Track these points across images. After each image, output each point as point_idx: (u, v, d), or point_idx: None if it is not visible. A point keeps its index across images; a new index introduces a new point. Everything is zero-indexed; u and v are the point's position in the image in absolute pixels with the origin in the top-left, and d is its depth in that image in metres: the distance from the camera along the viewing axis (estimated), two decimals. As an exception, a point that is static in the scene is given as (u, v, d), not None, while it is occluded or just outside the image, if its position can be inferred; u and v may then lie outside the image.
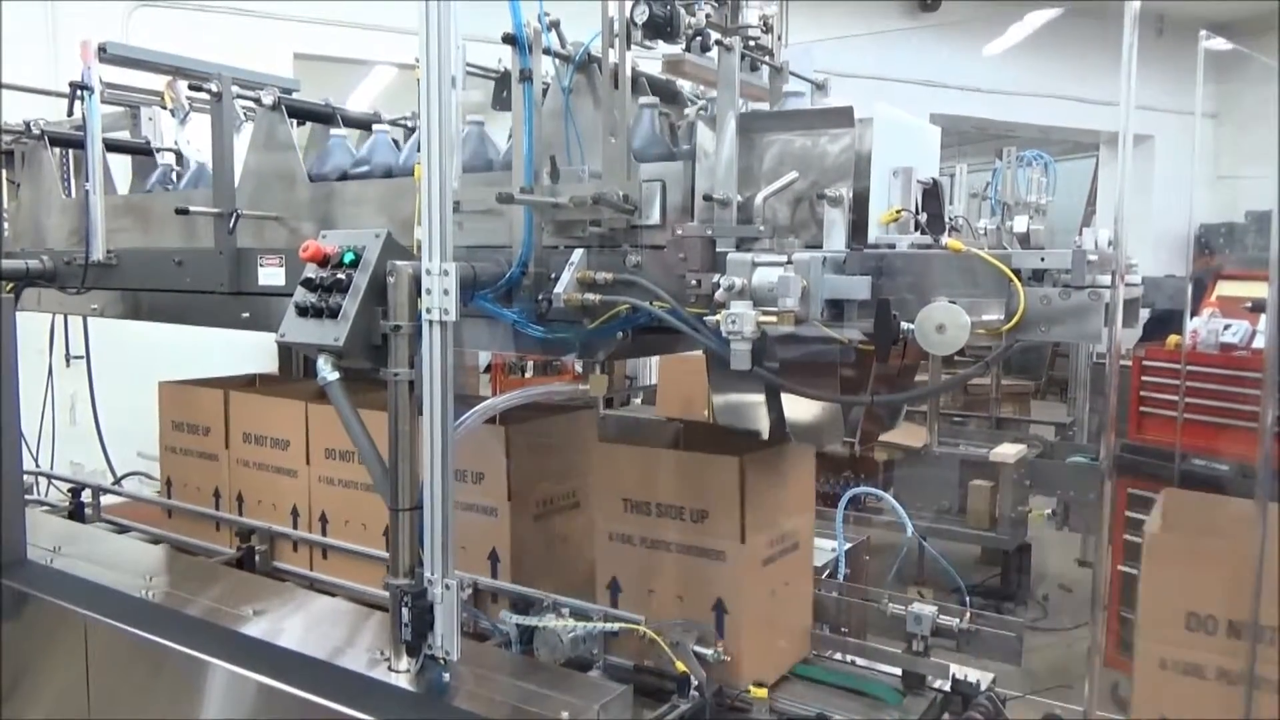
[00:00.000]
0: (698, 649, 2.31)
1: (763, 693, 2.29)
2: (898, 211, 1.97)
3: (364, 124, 3.20)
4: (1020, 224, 1.96)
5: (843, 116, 1.95)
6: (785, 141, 2.00)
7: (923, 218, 2.02)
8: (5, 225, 3.47)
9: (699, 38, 2.06)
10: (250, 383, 3.71)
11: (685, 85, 2.56)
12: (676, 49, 2.06)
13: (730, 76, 1.98)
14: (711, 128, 2.00)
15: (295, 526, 3.18)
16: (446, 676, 2.09)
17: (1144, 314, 2.01)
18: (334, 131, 2.89)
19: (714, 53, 2.04)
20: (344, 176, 2.73)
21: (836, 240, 1.89)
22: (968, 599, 2.76)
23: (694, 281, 1.98)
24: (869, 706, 2.55)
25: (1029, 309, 1.68)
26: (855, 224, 1.93)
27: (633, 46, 2.01)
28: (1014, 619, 2.70)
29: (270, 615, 2.51)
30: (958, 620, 2.62)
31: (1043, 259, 1.71)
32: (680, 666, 2.26)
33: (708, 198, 1.97)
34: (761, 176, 2.00)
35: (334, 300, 2.14)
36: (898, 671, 2.66)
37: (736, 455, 2.38)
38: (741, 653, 2.39)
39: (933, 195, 2.05)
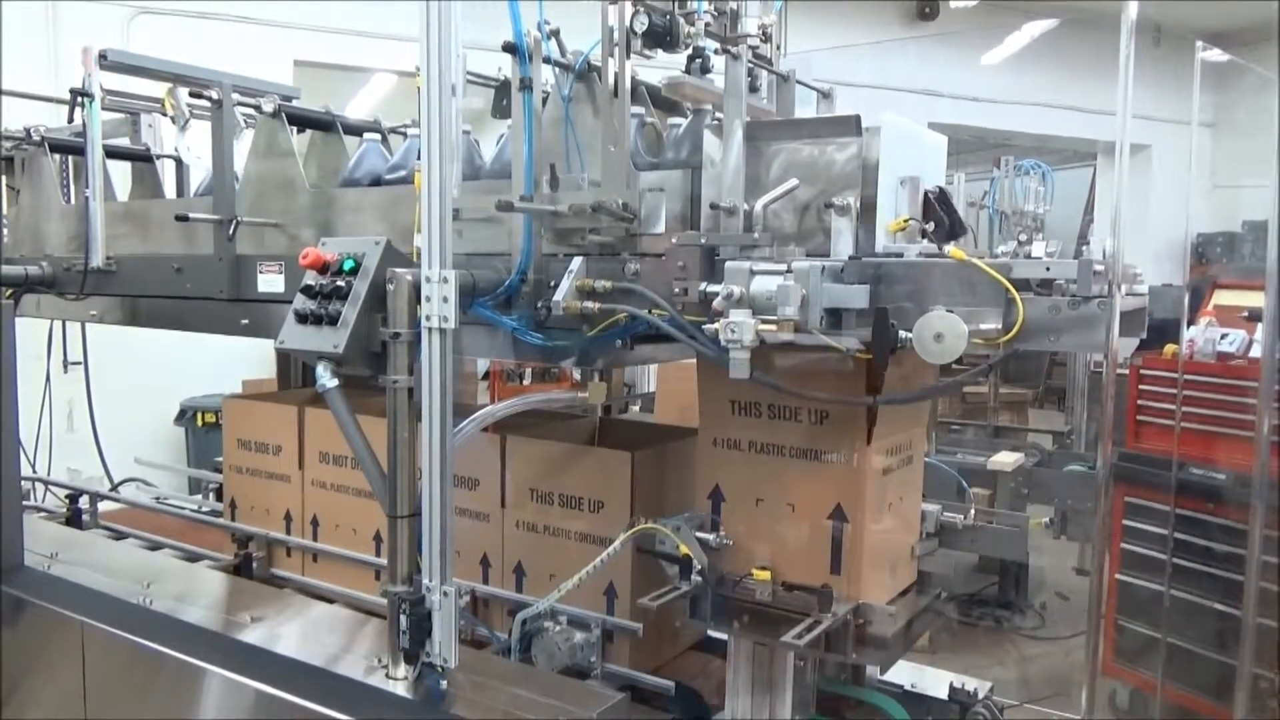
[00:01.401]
0: (700, 534, 2.26)
1: (766, 575, 2.23)
2: (906, 220, 1.98)
3: (363, 131, 3.21)
4: (1038, 249, 1.93)
5: (849, 125, 1.96)
6: (792, 150, 2.01)
7: (929, 226, 2.02)
8: (5, 231, 3.47)
9: (699, 60, 2.07)
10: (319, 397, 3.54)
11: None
12: (676, 58, 2.07)
13: (737, 85, 1.99)
14: (718, 136, 2.01)
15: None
16: (444, 684, 2.09)
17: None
18: (368, 136, 2.86)
19: (714, 74, 2.05)
20: (377, 181, 2.69)
21: (843, 249, 1.89)
22: (969, 494, 2.68)
23: (679, 290, 1.98)
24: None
25: (1037, 319, 1.68)
26: (862, 232, 1.94)
27: (632, 55, 2.01)
28: (1017, 513, 2.64)
29: (268, 622, 2.51)
30: (961, 517, 2.55)
31: (1048, 269, 1.71)
32: (684, 549, 2.21)
33: (714, 206, 1.98)
34: (768, 185, 2.00)
35: (333, 307, 2.14)
36: (901, 682, 2.66)
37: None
38: (861, 569, 2.18)
39: (943, 202, 2.06)
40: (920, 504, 2.51)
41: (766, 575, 2.20)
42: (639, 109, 2.29)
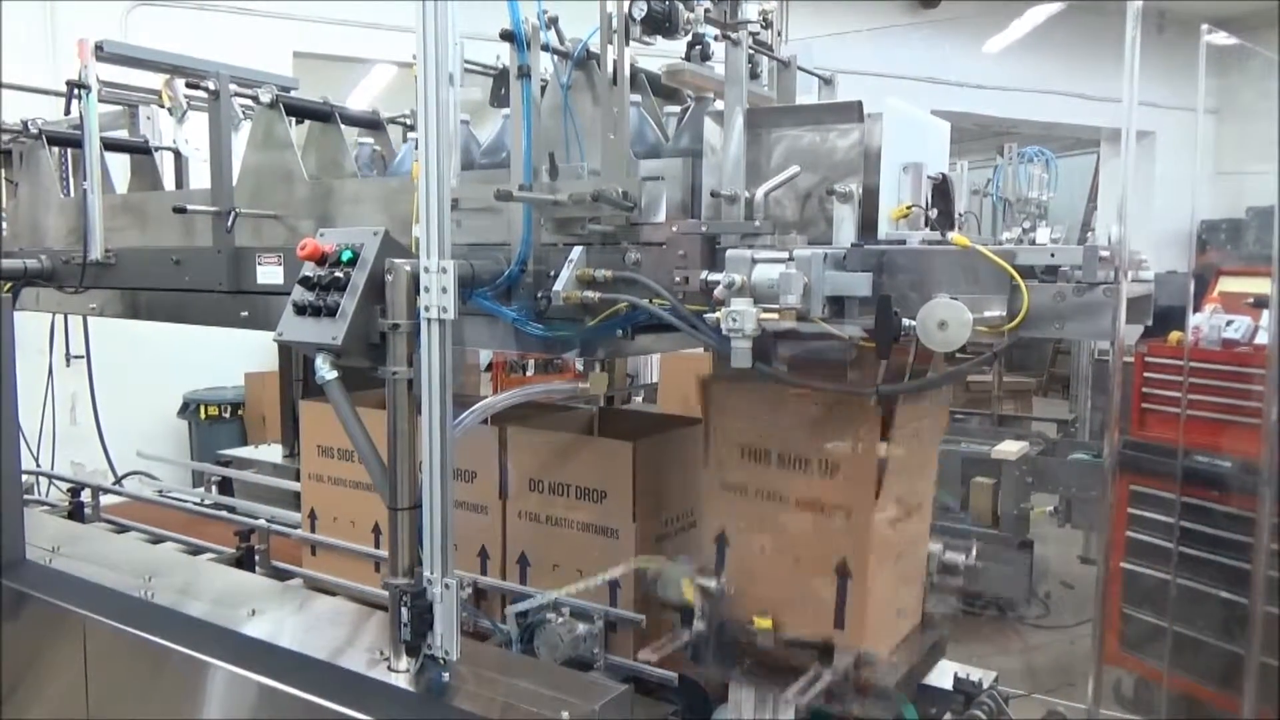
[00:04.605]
0: (701, 581, 2.27)
1: (767, 623, 2.22)
2: (908, 207, 1.96)
3: (362, 123, 3.19)
4: (1042, 235, 1.91)
5: (851, 111, 1.94)
6: (794, 137, 1.99)
7: (933, 213, 2.01)
8: (4, 224, 3.46)
9: (699, 46, 2.05)
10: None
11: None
12: (675, 44, 2.05)
13: (737, 72, 1.97)
14: (719, 123, 1.99)
15: (484, 571, 2.77)
16: (446, 676, 2.08)
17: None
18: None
19: (713, 61, 2.03)
20: (469, 165, 2.53)
21: (846, 236, 1.87)
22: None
23: (680, 279, 1.96)
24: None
25: (1042, 305, 1.66)
26: (865, 220, 1.92)
27: (631, 42, 1.99)
28: (1019, 555, 2.66)
29: (270, 615, 2.51)
30: (963, 556, 2.55)
31: (1053, 255, 1.69)
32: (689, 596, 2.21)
33: (715, 194, 1.96)
34: (769, 172, 1.99)
35: (332, 299, 2.13)
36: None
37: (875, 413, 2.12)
38: (865, 624, 2.17)
39: (943, 191, 2.04)
40: (926, 549, 2.52)
41: (768, 623, 2.21)
42: (634, 96, 2.27)
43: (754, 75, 2.22)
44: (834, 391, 2.08)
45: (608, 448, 2.59)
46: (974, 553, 2.55)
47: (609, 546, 2.56)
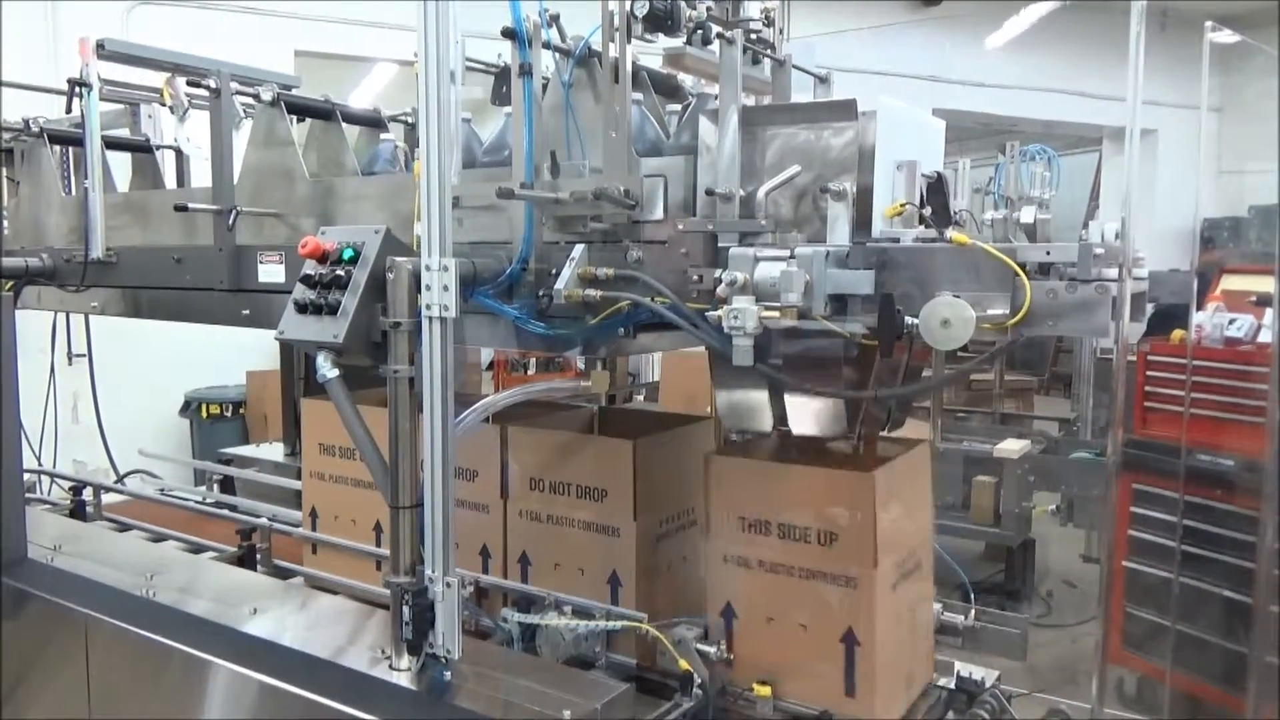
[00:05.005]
0: (701, 647, 2.29)
1: (766, 691, 2.25)
2: (902, 205, 1.96)
3: (364, 121, 3.19)
4: (1027, 215, 1.92)
5: (846, 110, 1.94)
6: (788, 135, 1.98)
7: (927, 211, 2.00)
8: (5, 223, 3.46)
9: (700, 30, 2.04)
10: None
11: (687, 79, 2.55)
12: (677, 42, 2.04)
13: (732, 70, 1.97)
14: (714, 122, 1.98)
15: (486, 570, 2.75)
16: (448, 675, 2.08)
17: (1148, 308, 2.00)
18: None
19: (715, 46, 2.02)
20: (472, 164, 2.52)
21: (840, 235, 1.87)
22: (972, 596, 2.74)
23: (695, 277, 1.96)
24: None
25: (1035, 303, 1.66)
26: (859, 218, 1.91)
27: (633, 40, 1.99)
28: (1018, 615, 2.69)
29: (271, 614, 2.50)
30: (962, 617, 2.60)
31: (1048, 252, 1.69)
32: (684, 664, 2.24)
33: (710, 192, 1.96)
34: (764, 171, 1.99)
35: (333, 297, 2.12)
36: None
37: (868, 470, 2.19)
38: (875, 690, 2.19)
39: (937, 189, 2.04)
40: (930, 607, 2.55)
41: (767, 691, 2.24)
42: (635, 95, 2.27)
43: (756, 61, 2.21)
44: (833, 390, 2.07)
45: (608, 446, 2.59)
46: (971, 614, 2.60)
47: (610, 545, 2.56)
